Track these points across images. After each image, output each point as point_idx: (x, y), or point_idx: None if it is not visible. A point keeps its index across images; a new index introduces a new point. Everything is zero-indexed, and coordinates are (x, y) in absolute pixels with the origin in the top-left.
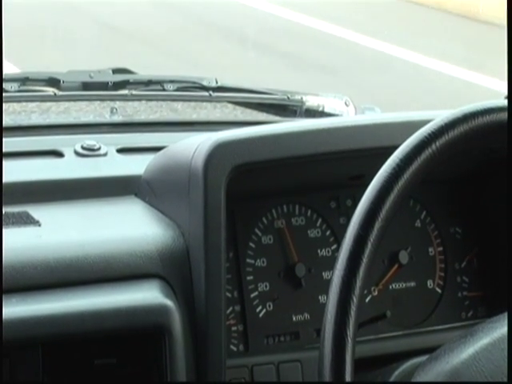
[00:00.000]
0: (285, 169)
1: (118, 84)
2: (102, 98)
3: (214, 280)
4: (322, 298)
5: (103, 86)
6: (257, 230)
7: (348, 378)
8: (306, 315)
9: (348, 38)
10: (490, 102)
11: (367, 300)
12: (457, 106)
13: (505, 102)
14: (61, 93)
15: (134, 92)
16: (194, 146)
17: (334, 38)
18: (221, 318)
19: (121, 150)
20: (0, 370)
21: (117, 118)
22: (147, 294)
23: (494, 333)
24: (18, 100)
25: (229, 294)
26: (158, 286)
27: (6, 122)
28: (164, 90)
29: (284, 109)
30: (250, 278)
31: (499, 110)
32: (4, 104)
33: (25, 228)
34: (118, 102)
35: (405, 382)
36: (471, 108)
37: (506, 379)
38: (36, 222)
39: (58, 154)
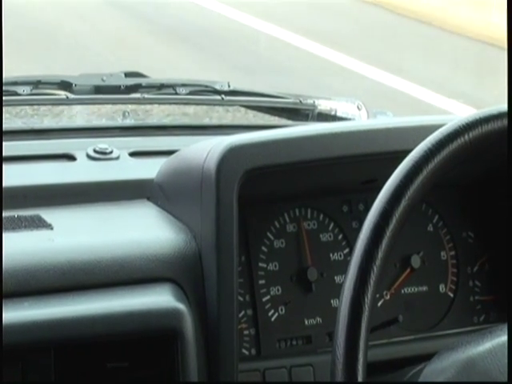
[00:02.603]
0: (297, 173)
1: (131, 87)
2: (114, 102)
3: (226, 284)
4: (334, 302)
5: (115, 89)
6: (269, 234)
7: (360, 380)
8: (318, 319)
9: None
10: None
11: (379, 304)
12: None
13: None
14: (73, 96)
15: (146, 95)
16: (206, 149)
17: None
18: (233, 322)
19: (133, 154)
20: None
21: (129, 122)
22: (159, 298)
23: None
24: (31, 103)
25: (241, 298)
26: (170, 289)
27: (19, 125)
28: (176, 93)
29: (296, 113)
30: (262, 281)
31: None
32: (16, 107)
33: (37, 231)
34: (130, 106)
35: (416, 382)
36: (506, 107)
37: None
38: (48, 226)
39: (70, 157)
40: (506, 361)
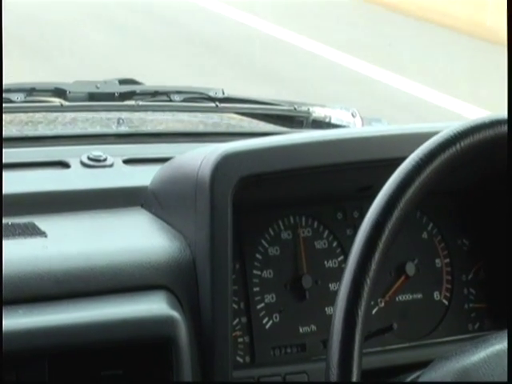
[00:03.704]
0: (292, 180)
1: (125, 95)
2: (108, 109)
3: (221, 291)
4: (328, 310)
5: (110, 96)
6: (263, 242)
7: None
8: (313, 327)
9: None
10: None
11: (374, 312)
12: None
13: None
14: (67, 103)
15: (140, 103)
16: (200, 157)
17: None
18: (227, 330)
19: (127, 161)
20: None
21: (123, 129)
22: (153, 306)
23: (506, 341)
24: (25, 110)
25: (235, 306)
26: (165, 297)
27: (13, 132)
28: (171, 100)
29: (291, 120)
30: (256, 289)
31: None
32: (10, 114)
33: (31, 239)
34: (124, 113)
35: (414, 382)
36: (500, 115)
37: None
38: (42, 233)
39: (64, 164)
40: (501, 370)
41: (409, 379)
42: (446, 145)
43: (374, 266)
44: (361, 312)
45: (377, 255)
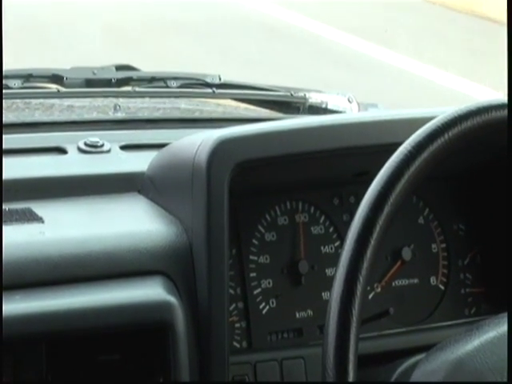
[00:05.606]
0: (288, 166)
1: (122, 81)
2: (105, 95)
3: (217, 276)
4: (325, 295)
5: (106, 82)
6: (260, 227)
7: (351, 375)
8: (310, 312)
9: None
10: (505, 98)
11: (370, 297)
12: None
13: None
14: (64, 89)
15: (137, 89)
16: (197, 142)
17: None
18: (224, 315)
19: (124, 147)
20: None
21: (120, 115)
22: (150, 291)
23: (500, 327)
24: (22, 97)
25: (232, 291)
26: (161, 282)
27: (10, 118)
28: (167, 86)
29: (287, 105)
30: (253, 274)
31: None
32: (7, 101)
33: (28, 225)
34: (121, 99)
35: (408, 382)
36: (486, 102)
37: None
38: (39, 219)
39: (61, 150)
40: (495, 358)
41: (404, 365)
42: (434, 136)
43: (366, 264)
44: (355, 312)
45: (369, 252)
